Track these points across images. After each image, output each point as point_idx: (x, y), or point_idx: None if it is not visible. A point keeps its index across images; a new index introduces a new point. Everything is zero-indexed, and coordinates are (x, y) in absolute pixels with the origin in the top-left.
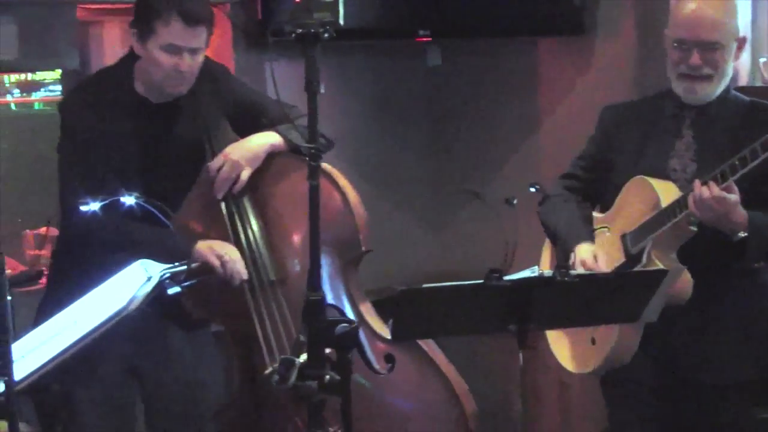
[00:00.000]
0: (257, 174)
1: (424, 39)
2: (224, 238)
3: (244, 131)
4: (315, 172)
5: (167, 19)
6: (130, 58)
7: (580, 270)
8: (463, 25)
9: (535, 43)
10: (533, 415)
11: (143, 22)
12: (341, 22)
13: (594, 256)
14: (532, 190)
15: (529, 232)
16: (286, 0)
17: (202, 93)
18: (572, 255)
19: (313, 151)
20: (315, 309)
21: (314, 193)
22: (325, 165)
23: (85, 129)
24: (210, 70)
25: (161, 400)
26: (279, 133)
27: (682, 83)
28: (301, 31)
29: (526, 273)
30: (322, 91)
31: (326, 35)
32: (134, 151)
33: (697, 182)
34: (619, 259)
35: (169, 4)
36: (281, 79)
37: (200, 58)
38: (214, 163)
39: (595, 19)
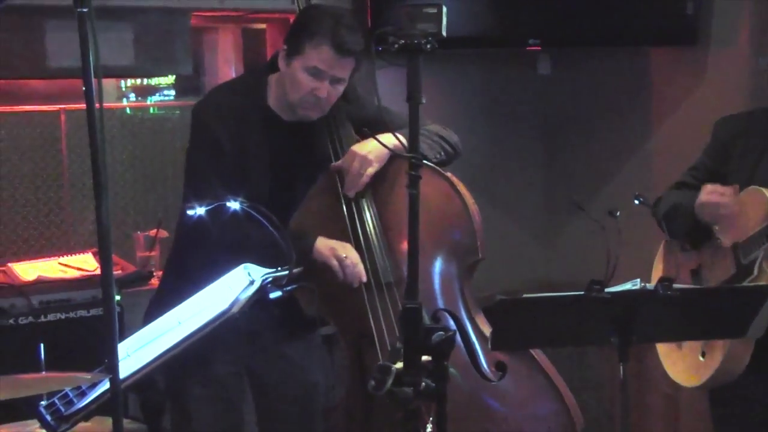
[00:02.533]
0: (378, 177)
1: (535, 48)
2: (344, 236)
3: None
4: (415, 182)
5: (319, 44)
6: (265, 70)
7: (710, 197)
8: (574, 34)
9: (647, 52)
10: (639, 429)
11: (295, 40)
12: (444, 33)
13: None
14: (636, 202)
15: (633, 245)
16: (395, 9)
17: (333, 114)
18: (696, 203)
19: (413, 160)
20: (412, 316)
21: (413, 202)
22: (445, 172)
23: (214, 135)
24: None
25: (274, 400)
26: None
27: None
28: (404, 42)
29: (627, 286)
30: (424, 101)
31: (429, 46)
32: (260, 166)
33: None
34: (731, 269)
35: (325, 28)
36: (390, 87)
37: (341, 89)
38: (343, 162)
39: (709, 28)
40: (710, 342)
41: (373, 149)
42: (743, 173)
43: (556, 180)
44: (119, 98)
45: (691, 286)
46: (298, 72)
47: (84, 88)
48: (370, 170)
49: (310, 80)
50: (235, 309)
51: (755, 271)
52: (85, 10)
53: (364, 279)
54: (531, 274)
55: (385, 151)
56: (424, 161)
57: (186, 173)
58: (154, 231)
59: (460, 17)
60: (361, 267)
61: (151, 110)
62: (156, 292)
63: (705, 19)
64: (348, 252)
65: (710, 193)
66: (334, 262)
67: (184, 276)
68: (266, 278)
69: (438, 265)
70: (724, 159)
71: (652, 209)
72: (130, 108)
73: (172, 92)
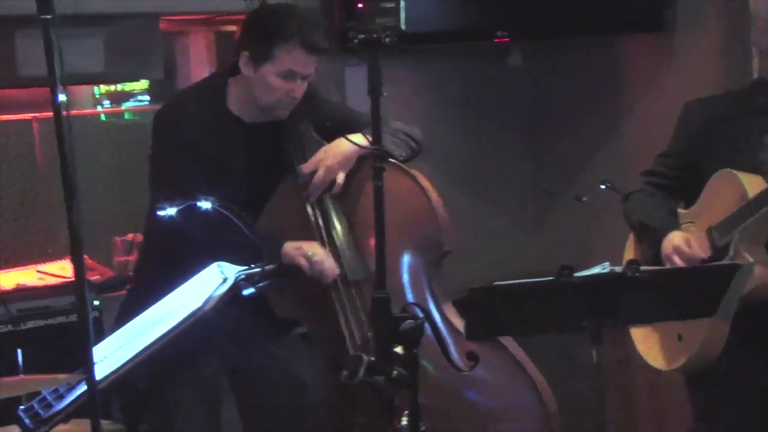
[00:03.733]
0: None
1: (503, 40)
2: (311, 239)
3: (331, 139)
4: (379, 174)
5: (291, 47)
6: (224, 74)
7: (675, 259)
8: (542, 25)
9: (615, 40)
10: (625, 413)
11: (261, 46)
12: (403, 26)
13: (687, 242)
14: (603, 187)
15: (607, 229)
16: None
17: (292, 116)
18: (663, 245)
19: (376, 152)
20: (381, 307)
21: (378, 194)
22: (407, 167)
23: (176, 143)
24: None
25: (261, 398)
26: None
27: None
28: (363, 36)
29: (597, 270)
30: (385, 94)
31: (388, 40)
32: (225, 169)
33: None
34: (706, 252)
35: (293, 31)
36: (361, 84)
37: (306, 84)
38: (307, 168)
39: (675, 14)
40: (687, 324)
41: (337, 155)
42: (716, 156)
43: (536, 169)
44: (94, 105)
45: (658, 268)
46: (271, 77)
47: (51, 93)
48: (340, 177)
49: (283, 83)
50: (208, 306)
51: (731, 253)
52: (49, 17)
53: (337, 272)
54: (516, 264)
55: (349, 156)
56: (389, 159)
57: (151, 179)
58: (131, 235)
59: (429, 13)
60: (329, 262)
61: (126, 116)
62: (126, 296)
63: (671, 5)
64: (314, 249)
65: (677, 251)
66: (303, 261)
67: (154, 279)
68: (239, 275)
69: (405, 260)
70: (695, 143)
71: (622, 203)
72: (105, 114)
73: (147, 98)
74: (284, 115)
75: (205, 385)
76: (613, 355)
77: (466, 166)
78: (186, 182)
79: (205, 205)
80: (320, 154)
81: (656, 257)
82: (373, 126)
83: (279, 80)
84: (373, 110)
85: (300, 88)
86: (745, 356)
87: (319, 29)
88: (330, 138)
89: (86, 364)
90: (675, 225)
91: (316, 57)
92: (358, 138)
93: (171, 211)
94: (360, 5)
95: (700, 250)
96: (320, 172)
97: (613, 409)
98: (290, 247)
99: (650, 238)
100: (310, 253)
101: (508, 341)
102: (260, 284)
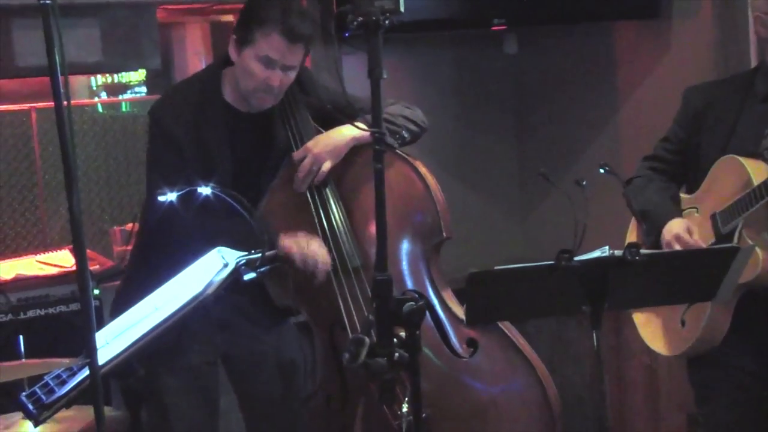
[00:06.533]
0: (342, 163)
1: (500, 27)
2: (310, 225)
3: (329, 127)
4: (380, 156)
5: (269, 32)
6: (219, 64)
7: (675, 247)
8: (538, 13)
9: (611, 27)
10: (620, 400)
11: (245, 29)
12: (402, 9)
13: (688, 229)
14: (602, 171)
15: (603, 214)
16: None
17: (289, 101)
18: (663, 232)
19: (377, 135)
20: (383, 288)
21: (379, 176)
22: (405, 154)
23: (173, 135)
24: (296, 76)
25: (252, 384)
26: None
27: None
28: (362, 19)
29: (596, 253)
30: (385, 76)
31: (387, 23)
32: (222, 160)
33: None
34: (710, 239)
35: (274, 16)
36: (359, 72)
37: (292, 76)
38: (297, 155)
39: (671, 1)
40: (690, 310)
41: (327, 145)
42: (718, 142)
43: (527, 157)
44: (91, 96)
45: (658, 251)
46: (250, 61)
47: (50, 78)
48: (325, 166)
49: (262, 69)
50: (209, 291)
51: (736, 239)
52: (48, 2)
53: (328, 268)
54: (507, 251)
55: (339, 146)
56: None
57: (147, 174)
58: (130, 225)
59: (426, 1)
60: (323, 259)
61: (123, 107)
62: (122, 285)
63: None
64: (312, 246)
65: (677, 240)
66: (298, 258)
67: (149, 268)
68: (240, 260)
69: (404, 247)
70: (695, 129)
71: (624, 187)
72: (102, 105)
73: (144, 89)
74: (264, 105)
75: (194, 374)
76: (609, 341)
77: (458, 153)
78: (174, 176)
79: (204, 190)
80: (311, 143)
81: (656, 244)
82: (374, 109)
83: (258, 66)
84: (373, 93)
85: (279, 78)
86: (735, 341)
87: (305, 18)
88: (327, 124)
89: (88, 349)
90: (676, 212)
91: (297, 46)
92: (350, 129)
93: (171, 196)
94: None
95: (701, 237)
96: (307, 161)
97: (610, 395)
98: (287, 239)
99: (651, 224)
100: (306, 250)
101: (508, 327)
102: (261, 269)
